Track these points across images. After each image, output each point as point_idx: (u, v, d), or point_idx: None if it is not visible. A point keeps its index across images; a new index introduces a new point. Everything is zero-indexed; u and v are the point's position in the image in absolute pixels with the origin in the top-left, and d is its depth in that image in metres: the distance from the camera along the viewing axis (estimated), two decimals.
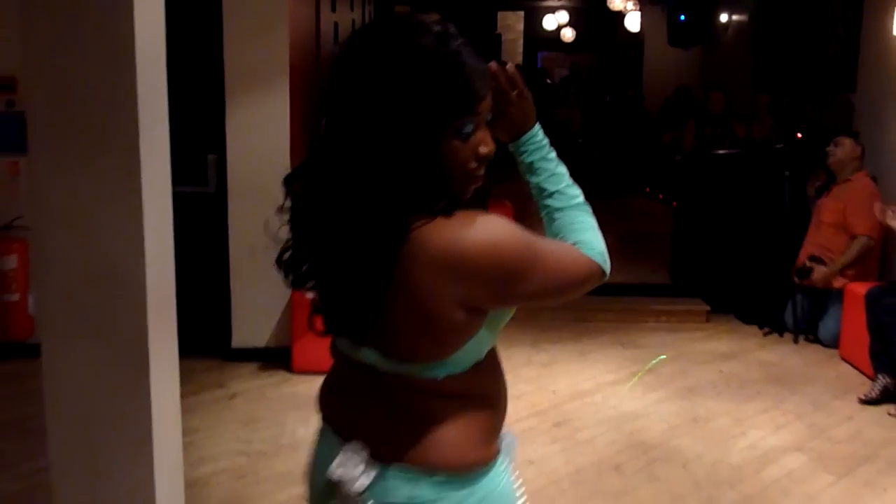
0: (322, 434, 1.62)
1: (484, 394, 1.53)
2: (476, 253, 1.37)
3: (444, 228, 1.38)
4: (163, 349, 2.82)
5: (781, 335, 6.38)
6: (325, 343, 5.97)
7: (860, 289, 5.62)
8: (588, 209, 1.63)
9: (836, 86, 7.37)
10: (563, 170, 1.66)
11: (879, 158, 6.29)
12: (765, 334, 6.45)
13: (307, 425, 4.62)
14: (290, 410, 4.84)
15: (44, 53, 2.59)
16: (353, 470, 1.45)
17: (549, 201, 1.63)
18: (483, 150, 1.45)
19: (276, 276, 6.12)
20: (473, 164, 1.45)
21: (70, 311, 2.69)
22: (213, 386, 5.19)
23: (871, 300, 5.25)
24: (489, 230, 1.39)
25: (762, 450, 4.46)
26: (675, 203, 8.04)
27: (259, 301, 5.58)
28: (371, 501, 1.45)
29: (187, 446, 3.86)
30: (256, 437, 4.49)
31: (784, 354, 6.04)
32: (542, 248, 1.47)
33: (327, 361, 6.19)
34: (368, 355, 1.49)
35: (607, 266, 1.58)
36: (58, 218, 2.66)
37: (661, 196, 10.76)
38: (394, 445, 1.46)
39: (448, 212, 1.40)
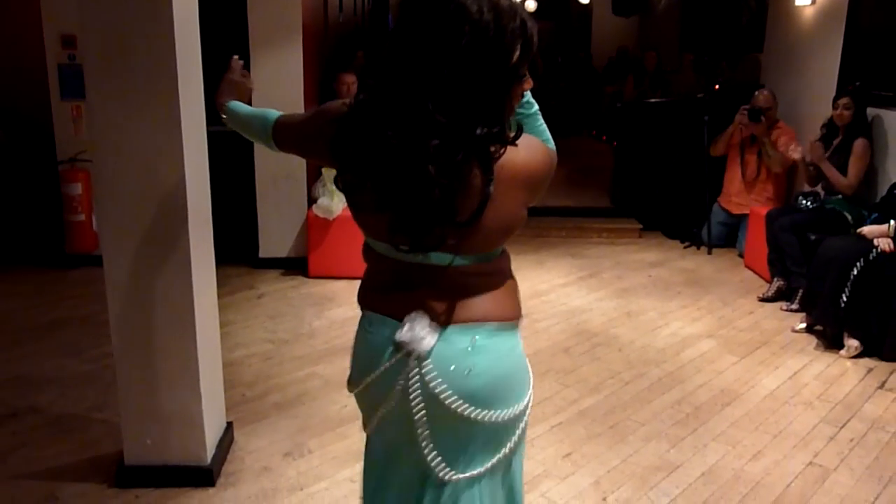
0: (372, 322, 1.54)
1: (508, 266, 1.60)
2: (540, 168, 1.47)
3: (518, 153, 1.40)
4: (202, 256, 2.81)
5: (698, 248, 6.40)
6: (334, 253, 5.94)
7: (762, 210, 5.63)
8: (540, 114, 1.68)
9: (748, 46, 7.27)
10: None
11: (780, 105, 6.23)
12: (685, 247, 6.47)
13: (321, 318, 4.64)
14: (307, 307, 4.85)
15: (98, 14, 2.50)
16: (420, 332, 1.44)
17: (519, 110, 1.63)
18: (527, 86, 1.47)
19: (295, 200, 6.08)
20: (519, 99, 1.49)
21: (126, 227, 2.65)
22: (244, 288, 5.19)
23: (770, 219, 5.26)
24: (539, 150, 1.48)
25: (681, 337, 4.51)
26: (615, 143, 7.96)
27: (281, 220, 5.53)
28: (430, 361, 1.44)
29: (224, 335, 3.88)
30: (280, 328, 4.50)
31: (700, 263, 6.07)
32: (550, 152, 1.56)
33: (336, 268, 6.20)
34: (444, 258, 1.44)
35: None
36: (113, 151, 2.60)
37: (604, 137, 10.67)
38: (452, 312, 1.47)
39: (516, 140, 1.40)
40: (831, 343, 4.34)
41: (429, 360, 1.45)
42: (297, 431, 3.29)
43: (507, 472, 1.61)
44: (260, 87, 5.28)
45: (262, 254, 5.60)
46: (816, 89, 5.85)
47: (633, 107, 7.80)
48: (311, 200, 5.43)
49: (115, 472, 2.87)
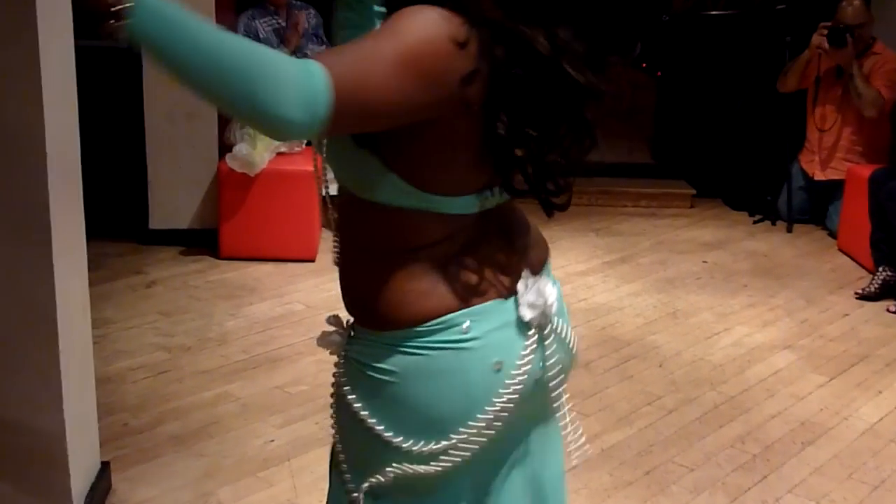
0: (471, 325, 1.52)
1: None
2: None
3: None
4: (67, 225, 2.80)
5: (774, 223, 6.45)
6: (256, 223, 5.87)
7: (864, 171, 5.66)
8: None
9: None
10: None
11: (885, 21, 6.24)
12: (755, 222, 6.52)
13: (236, 316, 4.63)
14: (217, 300, 4.84)
15: None
16: (545, 291, 1.59)
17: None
18: None
19: (201, 147, 6.02)
20: None
21: None
22: (128, 272, 5.17)
23: (875, 183, 5.30)
24: None
25: (747, 347, 4.55)
26: (659, 73, 7.98)
27: (181, 176, 5.52)
28: (556, 315, 1.62)
29: (100, 339, 3.86)
30: (178, 329, 4.49)
31: (776, 245, 6.13)
32: None
33: (259, 245, 6.14)
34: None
35: None
36: None
37: (644, 65, 10.69)
38: (537, 252, 1.67)
39: None
40: None
41: (556, 315, 1.62)
42: (202, 476, 3.29)
43: None
44: None
45: (154, 224, 5.59)
46: None
47: (685, 21, 7.82)
48: (225, 148, 5.40)
49: None
